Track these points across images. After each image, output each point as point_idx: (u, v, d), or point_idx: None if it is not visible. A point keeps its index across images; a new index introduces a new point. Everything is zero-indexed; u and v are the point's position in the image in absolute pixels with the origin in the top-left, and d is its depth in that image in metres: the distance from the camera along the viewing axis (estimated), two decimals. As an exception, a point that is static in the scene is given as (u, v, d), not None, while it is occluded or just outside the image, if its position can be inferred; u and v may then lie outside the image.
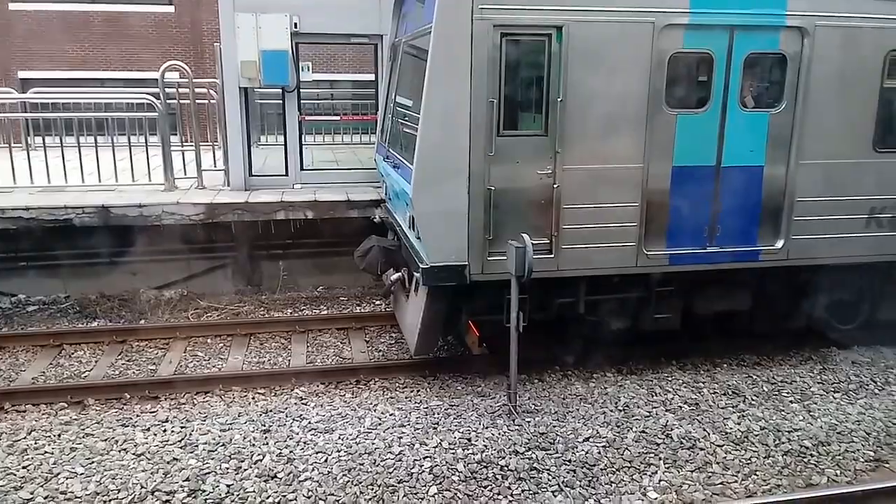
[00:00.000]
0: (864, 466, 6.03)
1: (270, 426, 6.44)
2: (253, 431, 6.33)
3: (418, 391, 7.57)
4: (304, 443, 6.15)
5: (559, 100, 6.65)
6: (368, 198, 10.56)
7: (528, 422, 6.58)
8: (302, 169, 11.51)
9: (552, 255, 6.99)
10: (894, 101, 7.48)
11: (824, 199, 7.43)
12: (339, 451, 5.99)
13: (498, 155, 6.67)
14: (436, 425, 6.49)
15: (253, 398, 7.42)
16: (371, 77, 11.97)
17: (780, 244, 7.46)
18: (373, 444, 6.12)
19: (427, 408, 6.89)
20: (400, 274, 8.08)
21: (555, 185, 6.82)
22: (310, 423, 6.52)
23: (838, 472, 5.95)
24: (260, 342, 8.95)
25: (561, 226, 6.92)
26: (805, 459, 6.11)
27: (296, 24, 10.70)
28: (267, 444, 6.12)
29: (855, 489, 5.56)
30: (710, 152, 7.13)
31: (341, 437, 6.24)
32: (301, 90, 11.35)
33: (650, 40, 6.70)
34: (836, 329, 8.48)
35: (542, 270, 6.86)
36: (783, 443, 6.32)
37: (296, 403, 7.15)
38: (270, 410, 6.84)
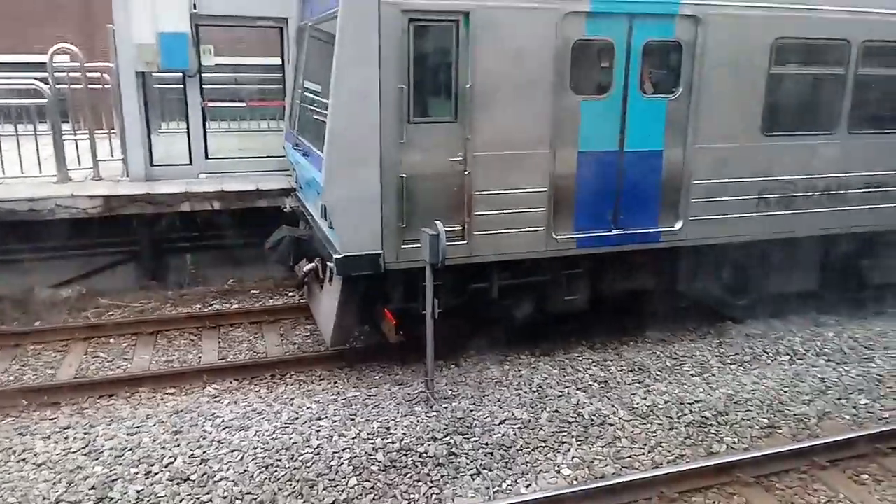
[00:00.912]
0: (759, 433, 6.45)
1: (181, 427, 6.24)
2: (163, 433, 6.12)
3: (335, 383, 7.52)
4: (218, 442, 6.00)
5: (468, 86, 6.68)
6: (279, 186, 10.32)
7: (446, 407, 6.66)
8: (207, 157, 11.10)
9: (465, 242, 7.04)
10: (780, 87, 7.93)
11: (718, 181, 7.80)
12: (255, 449, 5.89)
13: (409, 142, 6.65)
14: (354, 416, 6.47)
15: (162, 399, 7.17)
16: (278, 61, 11.65)
17: (679, 225, 7.78)
18: (290, 438, 6.04)
19: (345, 399, 6.86)
20: (313, 264, 7.94)
21: (466, 172, 6.87)
22: (223, 421, 6.37)
23: (736, 439, 6.35)
24: (168, 340, 8.63)
25: (473, 212, 6.97)
26: (706, 429, 6.48)
27: (195, 6, 10.27)
28: (178, 445, 5.94)
29: (751, 455, 5.93)
30: (612, 137, 7.32)
31: (257, 433, 6.13)
32: (203, 75, 10.93)
33: (554, 27, 6.81)
34: (732, 304, 8.98)
35: (456, 257, 6.92)
36: (685, 415, 6.68)
37: (208, 402, 6.96)
38: (181, 411, 6.63)
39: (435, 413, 6.55)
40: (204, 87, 11.03)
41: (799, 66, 8.10)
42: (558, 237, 7.36)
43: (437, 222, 6.43)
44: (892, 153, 8.44)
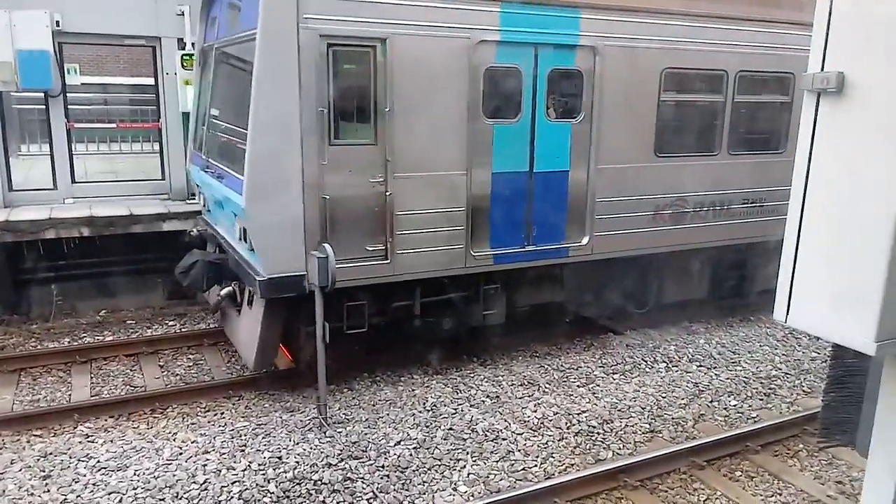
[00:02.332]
0: (642, 438, 6.76)
1: (51, 471, 5.76)
2: (30, 479, 5.62)
3: (222, 414, 7.20)
4: (94, 485, 5.58)
5: (387, 110, 6.83)
6: (154, 211, 9.86)
7: (340, 432, 6.54)
8: (74, 182, 10.45)
9: (388, 261, 7.13)
10: (669, 112, 8.65)
11: (618, 198, 8.35)
12: (135, 489, 5.52)
13: (331, 164, 6.70)
14: (243, 447, 6.21)
15: (28, 441, 6.58)
16: (150, 81, 11.16)
17: (585, 240, 8.25)
18: (174, 476, 5.71)
19: (233, 430, 6.58)
20: (230, 288, 7.80)
21: (387, 193, 6.99)
22: (99, 461, 5.93)
23: (621, 446, 6.62)
24: (32, 378, 7.95)
25: (395, 232, 7.09)
26: (593, 438, 6.72)
27: (58, 23, 9.69)
28: (48, 490, 5.47)
29: (635, 460, 6.21)
30: (523, 159, 7.70)
31: (137, 473, 5.75)
32: (68, 94, 10.30)
33: (467, 54, 7.09)
34: (633, 312, 9.56)
35: (380, 276, 7.11)
36: (574, 425, 6.90)
37: (81, 442, 6.46)
38: (50, 453, 6.11)
39: (329, 439, 6.41)
40: (70, 107, 10.39)
41: (685, 93, 8.88)
42: (476, 254, 7.61)
43: (326, 245, 6.37)
44: (765, 172, 9.31)
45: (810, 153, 1.49)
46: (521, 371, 8.17)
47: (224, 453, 6.10)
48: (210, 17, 8.84)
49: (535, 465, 6.22)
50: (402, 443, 6.40)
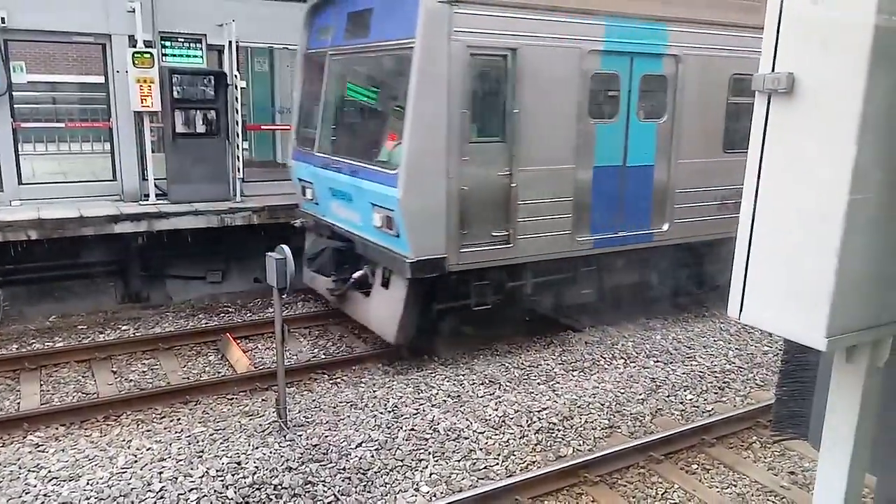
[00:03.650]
0: (601, 434, 6.84)
1: (0, 482, 5.57)
2: (-24, 492, 5.43)
3: (178, 420, 7.05)
4: (45, 495, 5.41)
5: (515, 111, 7.76)
6: (105, 213, 9.61)
7: (300, 435, 6.46)
8: (21, 183, 10.11)
9: (511, 245, 8.08)
10: (735, 113, 9.47)
11: (693, 189, 9.37)
12: (88, 500, 5.37)
13: (469, 159, 7.59)
14: (201, 453, 6.10)
15: (-27, 453, 6.35)
16: (101, 79, 10.87)
17: (666, 227, 9.30)
18: (128, 484, 5.57)
19: (190, 436, 6.45)
20: (363, 271, 8.50)
21: (512, 185, 7.93)
22: (49, 471, 5.75)
23: (581, 442, 6.69)
24: (-22, 386, 7.69)
25: (517, 219, 8.03)
26: (554, 435, 6.77)
27: (3, 20, 9.38)
28: (-5, 504, 5.29)
29: (595, 455, 6.28)
30: (618, 155, 8.77)
31: (90, 482, 5.60)
32: (14, 93, 9.98)
33: (578, 62, 8.11)
34: (695, 292, 10.43)
35: (504, 259, 8.07)
36: (535, 422, 6.94)
37: (31, 452, 6.25)
38: (-2, 465, 5.91)
39: (289, 442, 6.33)
40: (15, 106, 10.07)
41: (748, 96, 9.47)
42: (579, 239, 8.61)
43: (284, 246, 6.30)
44: None
45: (762, 152, 1.52)
46: (482, 370, 8.19)
47: (181, 460, 5.98)
48: (319, 25, 9.55)
49: (497, 464, 6.24)
50: (363, 444, 6.36)
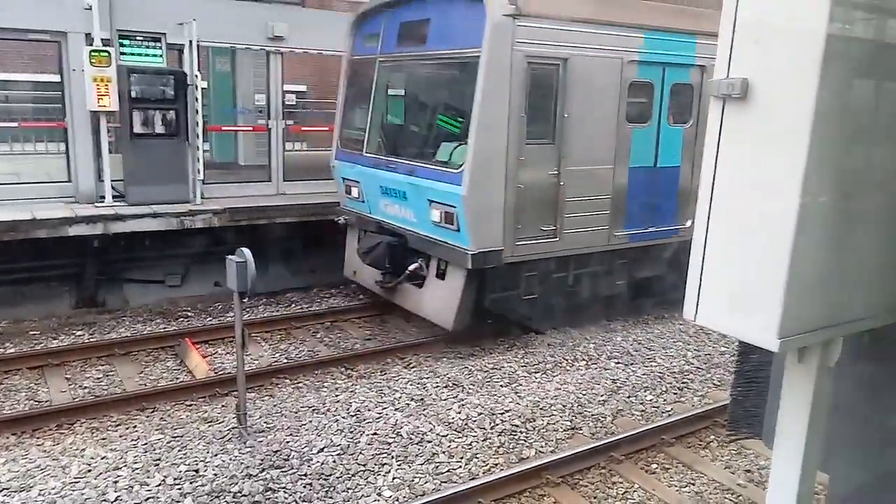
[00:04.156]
0: (563, 435, 6.89)
1: (-56, 495, 5.37)
2: (-80, 505, 5.22)
3: (134, 427, 6.90)
4: (-7, 507, 5.24)
5: (565, 116, 8.50)
6: (59, 215, 9.36)
7: (261, 441, 6.37)
8: (-31, 184, 9.79)
9: (558, 239, 8.79)
10: None
11: None
12: (39, 510, 5.21)
13: (525, 159, 8.28)
14: (157, 461, 5.97)
15: (-83, 464, 6.11)
16: (56, 78, 10.59)
17: (689, 223, 9.71)
18: (82, 494, 5.43)
19: (146, 444, 6.30)
20: (417, 264, 8.96)
21: (560, 183, 8.65)
22: (0, 482, 5.58)
23: (544, 443, 6.72)
24: (-77, 395, 7.41)
25: (564, 215, 8.75)
26: (516, 437, 6.79)
27: (-48, 15, 9.08)
28: (-59, 517, 5.10)
29: (557, 457, 6.32)
30: (650, 156, 9.56)
31: (42, 493, 5.44)
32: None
33: (619, 71, 8.87)
34: None
35: (552, 252, 8.80)
36: (497, 424, 6.96)
37: (-22, 462, 6.05)
38: (-57, 476, 5.70)
39: (249, 449, 6.24)
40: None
41: None
42: (616, 234, 9.37)
43: (244, 249, 6.21)
44: None
45: (717, 156, 1.55)
46: (445, 373, 8.19)
47: (137, 468, 5.84)
48: (366, 33, 10.10)
49: (460, 467, 6.24)
50: (325, 450, 6.29)
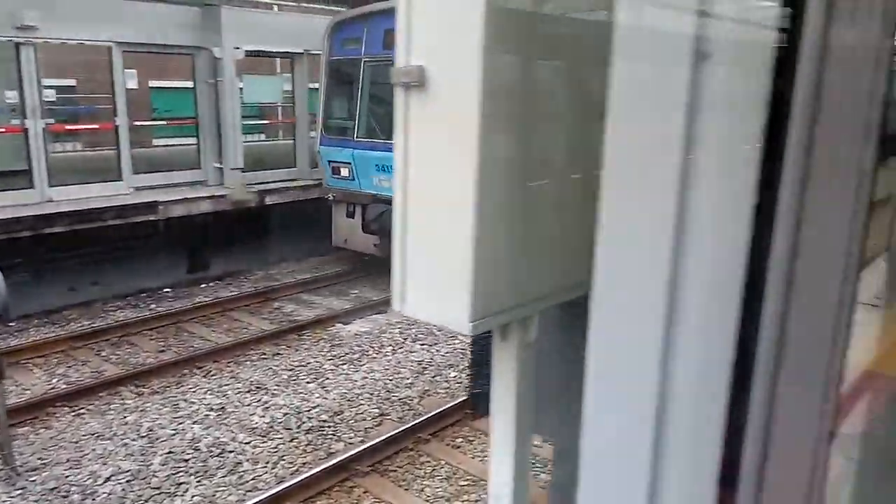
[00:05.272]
0: (372, 423, 6.90)
1: None
2: None
3: None
4: None
5: None
6: None
7: (34, 480, 5.71)
8: None
9: None
10: None
11: None
12: None
13: None
14: None
15: None
16: None
17: None
18: None
19: None
20: None
21: None
22: None
23: (353, 435, 6.69)
24: None
25: None
26: (324, 432, 6.70)
27: None
28: None
29: (364, 447, 6.30)
30: None
31: None
32: None
33: None
34: None
35: None
36: (304, 422, 6.82)
37: None
38: None
39: (20, 490, 5.57)
40: None
41: None
42: None
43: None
44: None
45: (406, 146, 1.53)
46: (247, 377, 7.86)
47: None
48: (343, 38, 11.30)
49: (266, 472, 6.03)
50: (112, 478, 5.79)
